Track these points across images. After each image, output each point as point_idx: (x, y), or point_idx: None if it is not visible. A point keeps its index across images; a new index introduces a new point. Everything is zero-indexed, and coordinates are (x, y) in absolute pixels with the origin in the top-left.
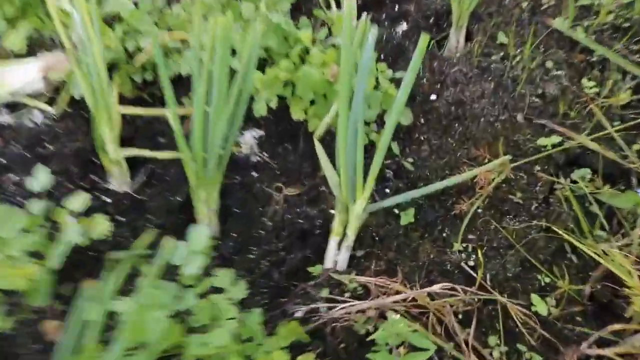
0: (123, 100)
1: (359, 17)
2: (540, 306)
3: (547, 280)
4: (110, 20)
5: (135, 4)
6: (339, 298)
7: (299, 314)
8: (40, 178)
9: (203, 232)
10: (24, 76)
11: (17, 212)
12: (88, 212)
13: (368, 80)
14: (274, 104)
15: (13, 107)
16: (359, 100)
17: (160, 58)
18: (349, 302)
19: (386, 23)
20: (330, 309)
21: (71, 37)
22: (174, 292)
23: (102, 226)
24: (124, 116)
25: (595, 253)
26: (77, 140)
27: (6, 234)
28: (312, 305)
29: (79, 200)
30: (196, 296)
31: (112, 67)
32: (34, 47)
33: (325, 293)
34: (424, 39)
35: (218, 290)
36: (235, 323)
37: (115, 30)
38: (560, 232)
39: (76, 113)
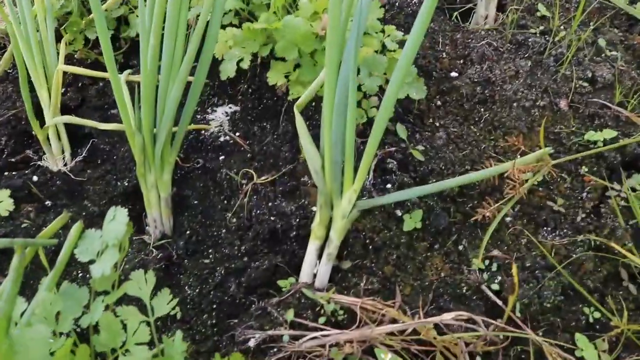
0: (75, 64)
1: None
2: (588, 350)
3: (597, 315)
4: None
5: None
6: (309, 324)
7: (251, 343)
8: None
9: (121, 216)
10: None
11: None
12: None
13: (370, 41)
14: (246, 64)
15: None
16: (350, 56)
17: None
18: (324, 330)
19: None
20: (296, 338)
21: None
22: (82, 299)
23: (2, 204)
24: (74, 83)
25: None
26: (13, 107)
27: None
28: (272, 332)
29: None
30: (106, 308)
31: (64, 24)
32: None
33: (291, 315)
34: None
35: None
36: (147, 351)
37: None
38: (614, 251)
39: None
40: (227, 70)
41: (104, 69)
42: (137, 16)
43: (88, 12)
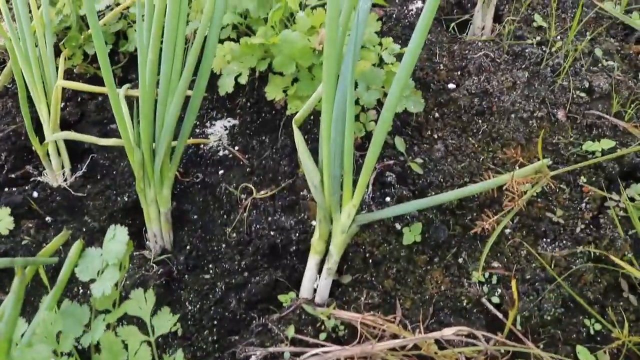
0: (74, 79)
1: None
2: None
3: (598, 327)
4: None
5: None
6: (310, 340)
7: None
8: None
9: (121, 235)
10: None
11: None
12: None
13: (367, 54)
14: (244, 79)
15: None
16: (348, 70)
17: (93, 15)
18: (325, 346)
19: (397, 0)
20: (297, 354)
21: None
22: (83, 319)
23: (2, 222)
24: (73, 98)
25: None
26: (13, 122)
27: None
28: (272, 349)
29: None
30: (107, 327)
31: (63, 38)
32: None
33: (291, 332)
34: None
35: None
36: None
37: None
38: (614, 262)
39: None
40: (225, 86)
41: (104, 83)
42: (136, 30)
43: (87, 26)
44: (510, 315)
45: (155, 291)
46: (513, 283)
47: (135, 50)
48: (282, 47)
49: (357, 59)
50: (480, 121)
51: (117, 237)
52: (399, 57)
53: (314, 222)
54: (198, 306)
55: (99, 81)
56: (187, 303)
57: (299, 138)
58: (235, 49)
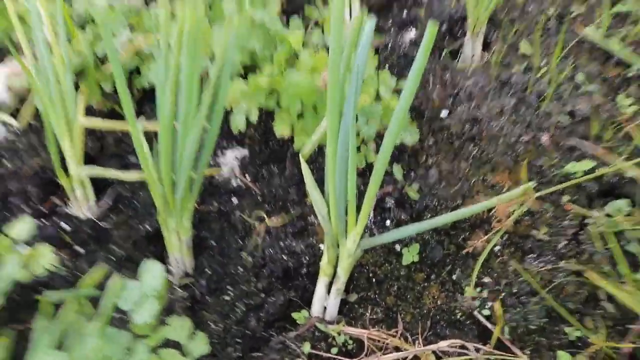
0: (94, 114)
1: None
2: None
3: (578, 334)
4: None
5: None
6: (324, 355)
7: None
8: None
9: (157, 270)
10: None
11: None
12: (45, 241)
13: (366, 89)
14: (254, 117)
15: None
16: (350, 110)
17: (114, 55)
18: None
19: (392, 30)
20: None
21: (35, 39)
22: (124, 344)
23: (45, 258)
24: (92, 132)
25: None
26: (38, 156)
27: None
28: None
29: (23, 226)
30: (149, 350)
31: (80, 75)
32: (4, 53)
33: (307, 348)
34: (431, 28)
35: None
36: None
37: (86, 33)
38: (593, 275)
39: (41, 126)
40: (237, 123)
41: (120, 117)
42: (149, 68)
43: (102, 63)
44: (497, 328)
45: (182, 314)
46: (497, 305)
47: (148, 85)
48: (287, 88)
49: (358, 99)
50: (471, 146)
51: (153, 272)
52: (396, 92)
53: (321, 246)
54: (221, 326)
55: (116, 115)
56: (210, 323)
57: (306, 172)
58: (244, 88)
